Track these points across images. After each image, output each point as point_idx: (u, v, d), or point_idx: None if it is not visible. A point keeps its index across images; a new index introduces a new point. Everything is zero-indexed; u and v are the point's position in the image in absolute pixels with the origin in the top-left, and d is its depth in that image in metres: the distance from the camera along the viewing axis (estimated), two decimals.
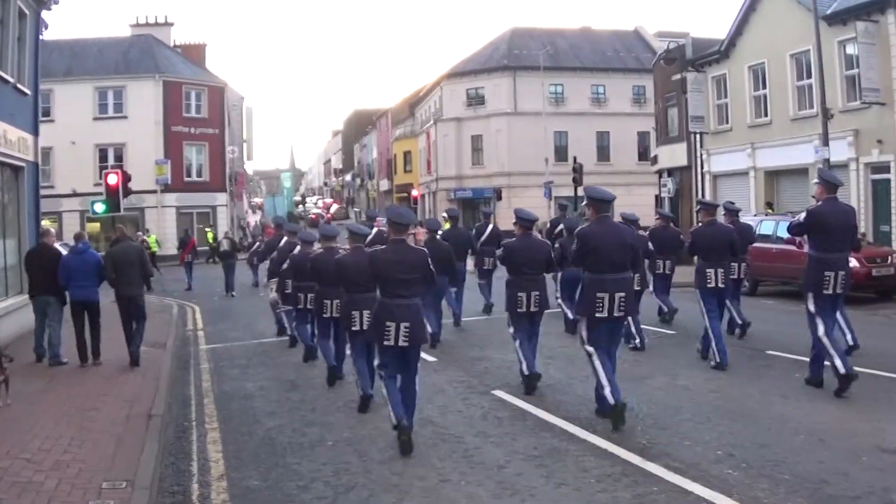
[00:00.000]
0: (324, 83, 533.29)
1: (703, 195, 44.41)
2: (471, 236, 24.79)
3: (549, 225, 26.82)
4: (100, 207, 31.69)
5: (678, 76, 47.19)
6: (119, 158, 63.93)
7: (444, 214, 26.99)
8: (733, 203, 22.20)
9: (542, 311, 14.92)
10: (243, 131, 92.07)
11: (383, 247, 12.09)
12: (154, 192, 65.17)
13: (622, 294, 12.09)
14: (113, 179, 30.87)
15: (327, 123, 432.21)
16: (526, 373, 14.58)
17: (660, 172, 53.67)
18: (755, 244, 23.63)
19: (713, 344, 16.19)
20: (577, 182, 48.97)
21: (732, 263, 17.92)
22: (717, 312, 16.65)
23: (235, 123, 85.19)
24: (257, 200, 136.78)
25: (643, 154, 78.81)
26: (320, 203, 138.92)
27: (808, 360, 14.50)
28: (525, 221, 15.23)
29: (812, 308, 13.71)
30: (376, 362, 11.82)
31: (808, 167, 36.53)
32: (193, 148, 70.85)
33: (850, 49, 34.49)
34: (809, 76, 37.01)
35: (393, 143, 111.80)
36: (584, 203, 13.82)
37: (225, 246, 41.78)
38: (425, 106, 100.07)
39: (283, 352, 20.37)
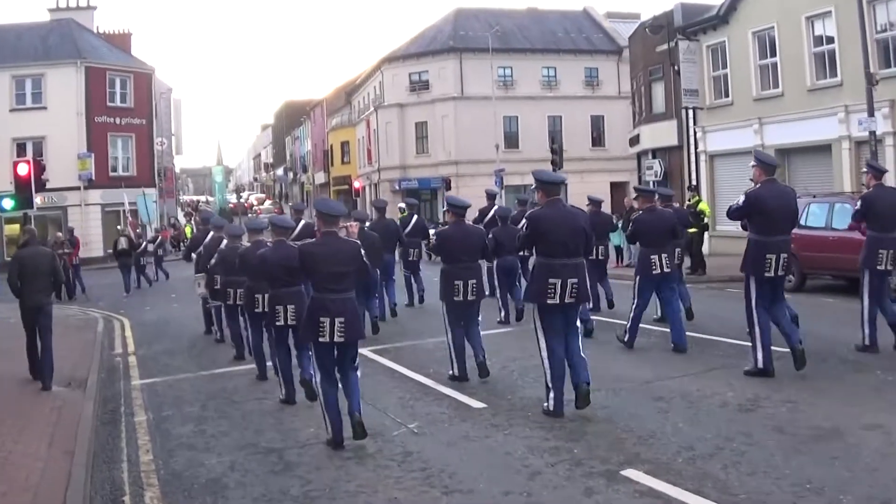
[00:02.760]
0: (251, 76, 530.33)
1: (696, 177, 41.01)
2: (398, 227, 24.69)
3: (477, 214, 25.00)
4: (8, 203, 26.77)
5: (664, 46, 43.19)
6: (39, 153, 57.61)
7: (402, 205, 28.34)
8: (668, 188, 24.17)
9: (479, 299, 14.83)
10: (171, 124, 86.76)
11: (313, 240, 11.95)
12: (77, 188, 60.65)
13: (575, 280, 11.82)
14: (23, 170, 26.26)
15: (256, 117, 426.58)
16: (455, 373, 14.62)
17: (639, 154, 50.06)
18: (802, 232, 22.64)
19: (629, 324, 16.69)
20: (556, 165, 44.32)
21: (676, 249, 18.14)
22: (647, 300, 17.04)
23: (163, 115, 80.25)
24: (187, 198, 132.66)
25: (597, 139, 77.22)
26: (253, 199, 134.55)
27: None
28: (457, 208, 15.17)
29: (752, 294, 13.74)
30: (312, 359, 11.72)
31: (830, 143, 33.11)
32: (119, 140, 65.72)
33: (882, 10, 30.89)
34: (830, 41, 33.32)
35: (328, 133, 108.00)
36: (532, 187, 13.63)
37: (122, 244, 39.53)
38: (363, 93, 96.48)
39: (248, 389, 15.28)
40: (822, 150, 34.02)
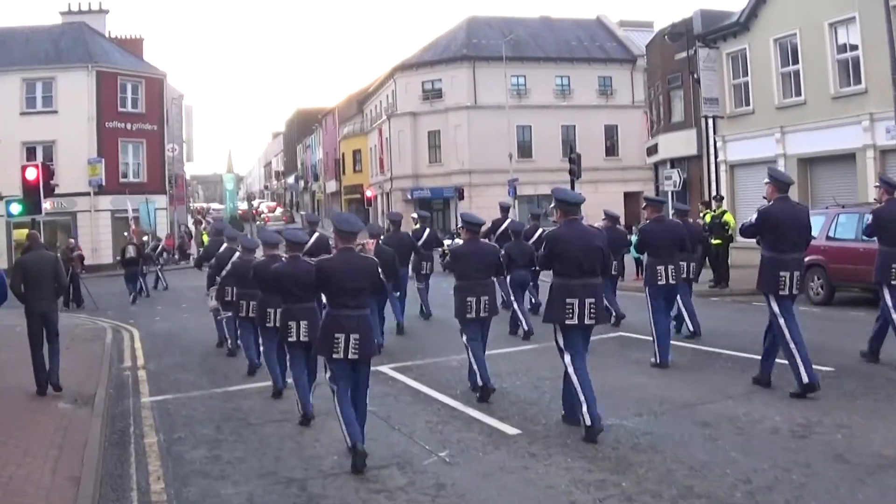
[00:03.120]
0: (263, 84, 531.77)
1: (717, 187, 40.05)
2: (413, 241, 24.20)
3: (490, 224, 25.36)
4: (16, 208, 26.30)
5: (683, 54, 42.40)
6: (49, 157, 57.76)
7: (414, 215, 28.35)
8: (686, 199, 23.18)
9: (491, 316, 14.81)
10: (183, 130, 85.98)
11: (329, 256, 12.02)
12: (87, 194, 60.36)
13: (592, 300, 11.72)
14: (32, 174, 25.76)
15: (266, 125, 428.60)
16: (480, 384, 14.22)
17: (657, 164, 49.35)
18: (830, 244, 23.48)
19: (655, 342, 16.30)
20: (574, 175, 43.55)
21: (682, 262, 17.84)
22: (662, 310, 16.76)
23: (174, 122, 79.37)
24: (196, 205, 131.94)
25: (611, 149, 76.92)
26: (264, 207, 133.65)
27: None
28: (472, 225, 15.12)
29: (776, 310, 13.49)
30: (327, 375, 11.12)
31: (854, 152, 32.35)
32: (130, 146, 65.38)
33: None
34: (854, 48, 32.58)
35: (340, 142, 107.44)
36: (551, 205, 13.68)
37: (130, 252, 38.93)
38: (375, 101, 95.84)
39: (265, 410, 14.38)
40: (846, 159, 33.28)
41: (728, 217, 30.84)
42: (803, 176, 35.84)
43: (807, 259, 24.99)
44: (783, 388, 13.44)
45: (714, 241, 29.17)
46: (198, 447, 12.07)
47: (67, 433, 12.49)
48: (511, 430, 11.93)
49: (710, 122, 41.24)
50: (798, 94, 35.99)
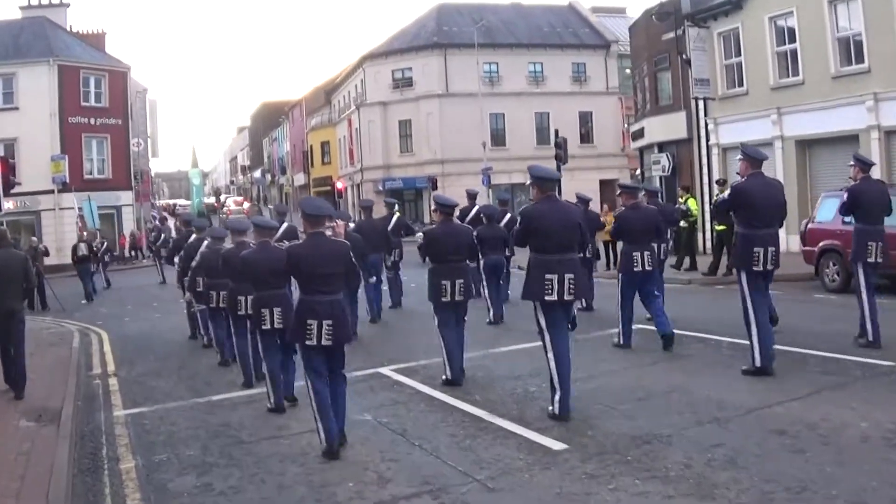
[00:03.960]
0: (226, 78, 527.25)
1: (709, 170, 38.85)
2: (385, 227, 24.14)
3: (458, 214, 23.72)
4: None
5: (671, 34, 40.60)
6: (11, 155, 55.05)
7: (389, 200, 27.54)
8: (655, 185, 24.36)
9: (466, 299, 14.57)
10: (147, 125, 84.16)
11: (299, 241, 11.84)
12: (51, 192, 58.56)
13: (571, 275, 11.53)
14: None
15: (231, 120, 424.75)
16: (450, 377, 14.12)
17: (642, 149, 47.70)
18: (845, 227, 21.92)
19: (620, 326, 16.53)
20: (560, 160, 41.94)
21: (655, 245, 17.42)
22: (631, 297, 16.65)
23: (139, 116, 77.73)
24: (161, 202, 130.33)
25: (585, 136, 76.12)
26: (231, 202, 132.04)
27: None
28: (445, 207, 14.97)
29: (745, 287, 13.50)
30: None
31: (858, 133, 31.05)
32: (94, 141, 63.75)
33: None
34: (856, 26, 31.33)
35: (308, 133, 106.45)
36: (528, 182, 13.00)
37: (83, 250, 38.32)
38: (344, 92, 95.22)
39: (257, 424, 12.41)
40: (848, 140, 31.74)
41: (692, 203, 31.08)
42: (802, 158, 34.72)
43: (821, 244, 23.93)
44: (850, 386, 12.17)
45: (718, 227, 28.31)
46: (183, 474, 10.16)
47: (30, 459, 10.65)
48: (556, 445, 10.14)
49: (701, 104, 39.78)
50: (795, 73, 34.61)
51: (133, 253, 62.95)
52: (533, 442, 10.35)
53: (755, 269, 13.34)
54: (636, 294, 16.77)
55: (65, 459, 10.47)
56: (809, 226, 25.25)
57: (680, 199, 31.39)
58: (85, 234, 43.31)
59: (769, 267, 13.42)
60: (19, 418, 13.04)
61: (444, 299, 14.18)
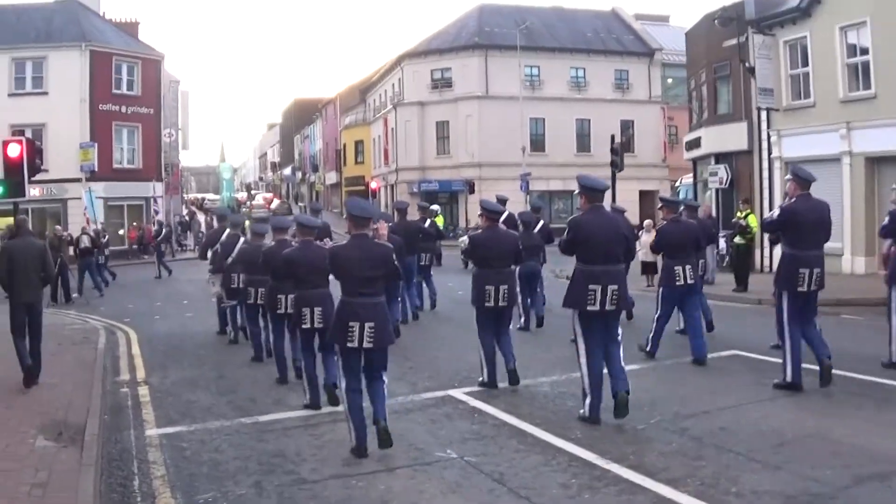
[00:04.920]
0: (258, 74, 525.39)
1: (769, 184, 36.72)
2: (420, 228, 24.57)
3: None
4: None
5: (733, 41, 38.57)
6: (38, 141, 54.07)
7: (435, 207, 28.83)
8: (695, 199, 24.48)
9: (510, 305, 14.70)
10: (179, 117, 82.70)
11: (343, 242, 11.31)
12: (78, 180, 56.36)
13: (615, 286, 11.67)
14: (14, 151, 22.02)
15: (261, 116, 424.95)
16: (486, 380, 14.27)
17: (695, 161, 45.73)
18: None
19: (651, 334, 16.64)
20: (616, 167, 40.15)
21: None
22: (669, 312, 16.92)
23: (170, 108, 75.84)
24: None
25: (626, 145, 72.03)
26: (261, 198, 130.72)
27: None
28: (491, 213, 14.93)
29: (786, 308, 13.56)
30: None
31: None
32: (125, 130, 62.20)
33: None
34: None
35: (342, 132, 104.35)
36: (576, 192, 13.22)
37: (85, 242, 36.62)
38: (380, 90, 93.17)
39: (317, 453, 10.73)
40: None
41: (752, 219, 29.49)
42: (870, 176, 32.63)
43: None
44: None
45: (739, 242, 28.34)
46: None
47: (47, 493, 8.77)
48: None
49: (764, 114, 37.71)
50: (867, 87, 32.50)
51: (142, 246, 60.53)
52: (668, 500, 8.50)
53: (800, 289, 13.41)
54: (674, 309, 17.21)
55: (90, 494, 8.66)
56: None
57: (739, 214, 29.97)
58: (92, 226, 41.88)
59: (813, 287, 13.49)
60: (36, 435, 11.17)
61: (487, 304, 14.26)
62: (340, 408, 11.33)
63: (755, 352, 16.75)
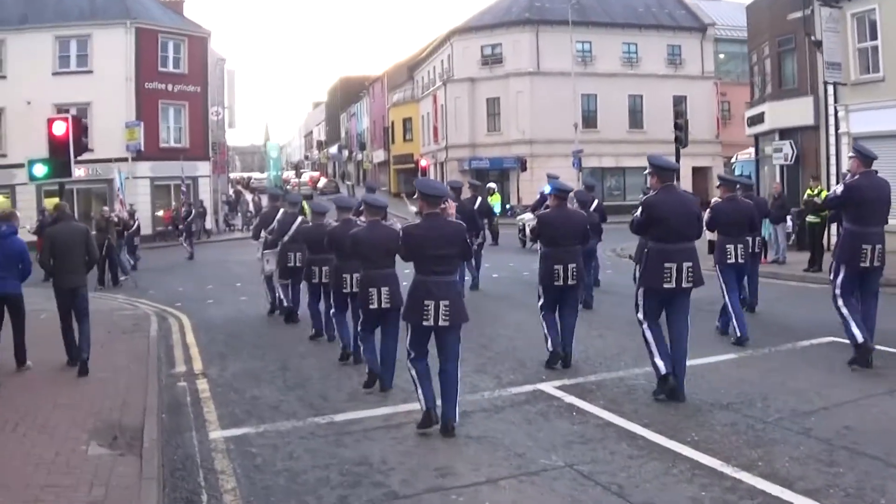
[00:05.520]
0: (302, 52, 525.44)
1: (836, 160, 35.36)
2: (472, 207, 24.81)
3: (539, 197, 25.57)
4: (40, 170, 21.63)
5: (797, 14, 37.20)
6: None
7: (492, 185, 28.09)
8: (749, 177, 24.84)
9: (578, 284, 14.84)
10: (225, 96, 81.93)
11: (417, 222, 11.34)
12: (124, 160, 55.51)
13: (689, 264, 11.88)
14: (60, 129, 21.25)
15: (306, 95, 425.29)
16: (551, 349, 14.29)
17: (758, 136, 44.18)
18: None
19: (733, 319, 16.37)
20: (681, 143, 38.88)
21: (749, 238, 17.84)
22: (735, 287, 16.89)
23: (216, 86, 74.96)
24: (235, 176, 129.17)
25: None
26: (307, 177, 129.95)
27: None
28: (560, 192, 15.05)
29: (839, 283, 13.69)
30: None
31: None
32: (171, 108, 61.56)
33: None
34: None
35: (389, 109, 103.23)
36: (646, 171, 14.14)
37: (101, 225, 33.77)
38: (428, 67, 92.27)
39: (406, 461, 9.42)
40: None
41: (824, 194, 27.34)
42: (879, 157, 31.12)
43: None
44: None
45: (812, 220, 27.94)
46: None
47: None
48: None
49: (831, 89, 36.29)
50: None
51: (174, 227, 59.00)
52: None
53: (862, 265, 13.56)
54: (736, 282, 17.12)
55: None
56: None
57: (810, 191, 29.29)
58: (125, 207, 41.11)
59: (876, 263, 13.64)
60: (88, 441, 9.98)
61: (556, 283, 14.33)
62: (416, 405, 10.95)
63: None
